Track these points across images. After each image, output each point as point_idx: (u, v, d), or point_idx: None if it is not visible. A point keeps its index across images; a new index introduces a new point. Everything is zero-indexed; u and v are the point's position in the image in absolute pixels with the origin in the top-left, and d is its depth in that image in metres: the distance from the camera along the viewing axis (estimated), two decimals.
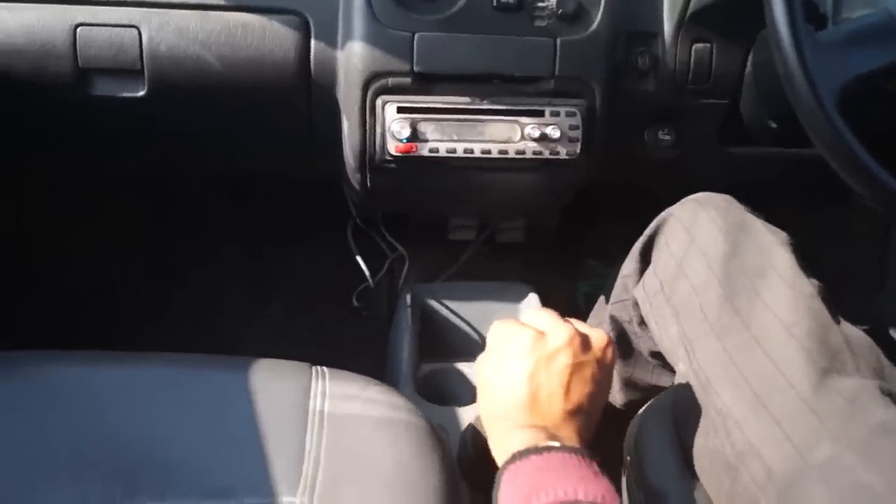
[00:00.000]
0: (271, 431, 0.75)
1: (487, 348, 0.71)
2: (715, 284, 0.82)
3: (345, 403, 0.78)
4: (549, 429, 0.65)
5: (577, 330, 0.69)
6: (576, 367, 0.67)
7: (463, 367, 1.19)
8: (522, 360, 0.67)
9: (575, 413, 0.66)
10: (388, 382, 0.85)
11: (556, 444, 0.61)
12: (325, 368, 0.82)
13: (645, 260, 0.98)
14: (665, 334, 0.90)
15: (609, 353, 0.70)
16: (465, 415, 1.07)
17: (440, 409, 1.08)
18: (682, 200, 0.94)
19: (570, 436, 0.65)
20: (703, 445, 0.77)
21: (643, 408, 0.89)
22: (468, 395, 1.14)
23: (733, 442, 0.73)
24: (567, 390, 0.66)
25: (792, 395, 0.71)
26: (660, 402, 0.87)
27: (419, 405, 0.88)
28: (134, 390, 0.79)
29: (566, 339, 0.67)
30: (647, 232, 0.98)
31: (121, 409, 0.77)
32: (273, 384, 0.79)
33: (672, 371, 0.89)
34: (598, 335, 0.70)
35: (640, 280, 0.97)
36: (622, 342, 1.04)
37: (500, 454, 0.63)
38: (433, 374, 1.18)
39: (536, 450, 0.60)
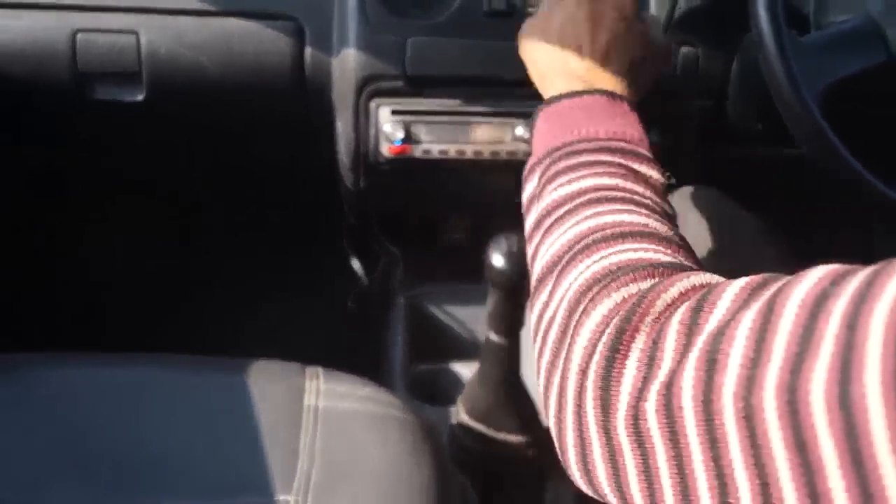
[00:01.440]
0: (266, 431, 0.76)
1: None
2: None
3: (338, 402, 0.79)
4: (583, 77, 0.68)
5: None
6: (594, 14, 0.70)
7: (456, 367, 1.20)
8: (556, 14, 0.73)
9: (604, 58, 0.69)
10: (381, 383, 0.86)
11: (588, 88, 0.66)
12: (318, 368, 0.83)
13: None
14: None
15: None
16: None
17: (433, 409, 1.09)
18: (670, 195, 0.95)
19: (603, 80, 0.68)
20: None
21: None
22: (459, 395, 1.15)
23: None
24: (591, 34, 0.69)
25: None
26: None
27: (412, 405, 0.89)
28: (130, 392, 0.79)
29: None
30: None
31: (116, 411, 0.77)
32: (267, 384, 0.80)
33: None
34: None
35: None
36: None
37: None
38: (426, 374, 1.19)
39: (568, 94, 0.66)
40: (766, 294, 0.37)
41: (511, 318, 0.89)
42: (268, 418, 0.77)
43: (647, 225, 0.50)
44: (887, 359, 0.29)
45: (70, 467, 0.73)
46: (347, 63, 0.98)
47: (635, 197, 0.54)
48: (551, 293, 0.49)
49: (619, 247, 0.48)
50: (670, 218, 0.56)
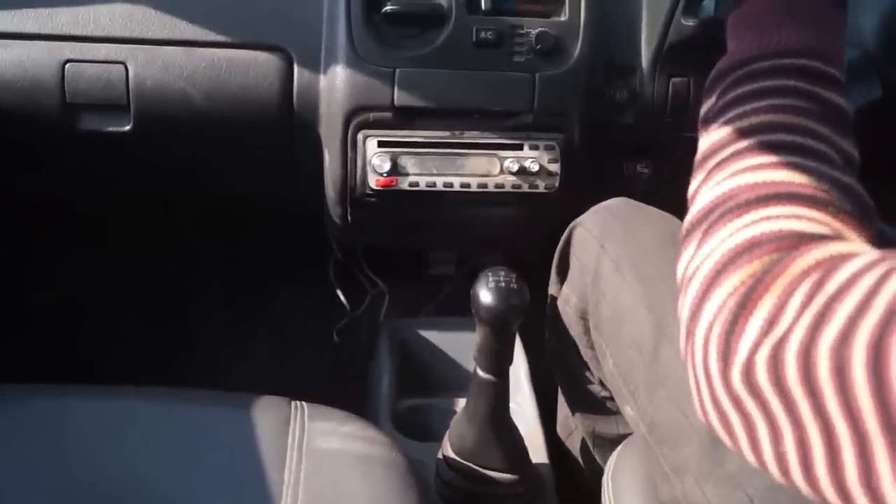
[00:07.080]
0: (250, 466, 0.75)
1: None
2: (642, 310, 0.76)
3: (323, 439, 0.78)
4: None
5: None
6: None
7: (442, 402, 1.19)
8: None
9: None
10: (367, 417, 0.85)
11: None
12: (304, 403, 0.82)
13: (563, 278, 0.93)
14: (602, 367, 0.84)
15: None
16: None
17: (419, 445, 1.07)
18: (592, 208, 0.91)
19: None
20: (669, 496, 0.73)
21: (617, 449, 0.86)
22: (446, 431, 1.14)
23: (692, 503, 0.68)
24: None
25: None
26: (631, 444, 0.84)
27: (398, 440, 0.88)
28: (114, 425, 0.78)
29: None
30: (559, 247, 0.93)
31: (101, 444, 0.76)
32: (252, 419, 0.79)
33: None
34: None
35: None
36: (573, 384, 0.97)
37: None
38: (412, 409, 1.17)
39: None
40: (891, 262, 0.39)
41: (499, 355, 0.87)
42: (252, 454, 0.76)
43: (807, 184, 0.48)
44: None
45: (53, 501, 0.71)
46: (335, 94, 0.98)
47: (808, 142, 0.51)
48: (695, 251, 0.50)
49: (771, 210, 0.47)
50: (847, 160, 0.53)
